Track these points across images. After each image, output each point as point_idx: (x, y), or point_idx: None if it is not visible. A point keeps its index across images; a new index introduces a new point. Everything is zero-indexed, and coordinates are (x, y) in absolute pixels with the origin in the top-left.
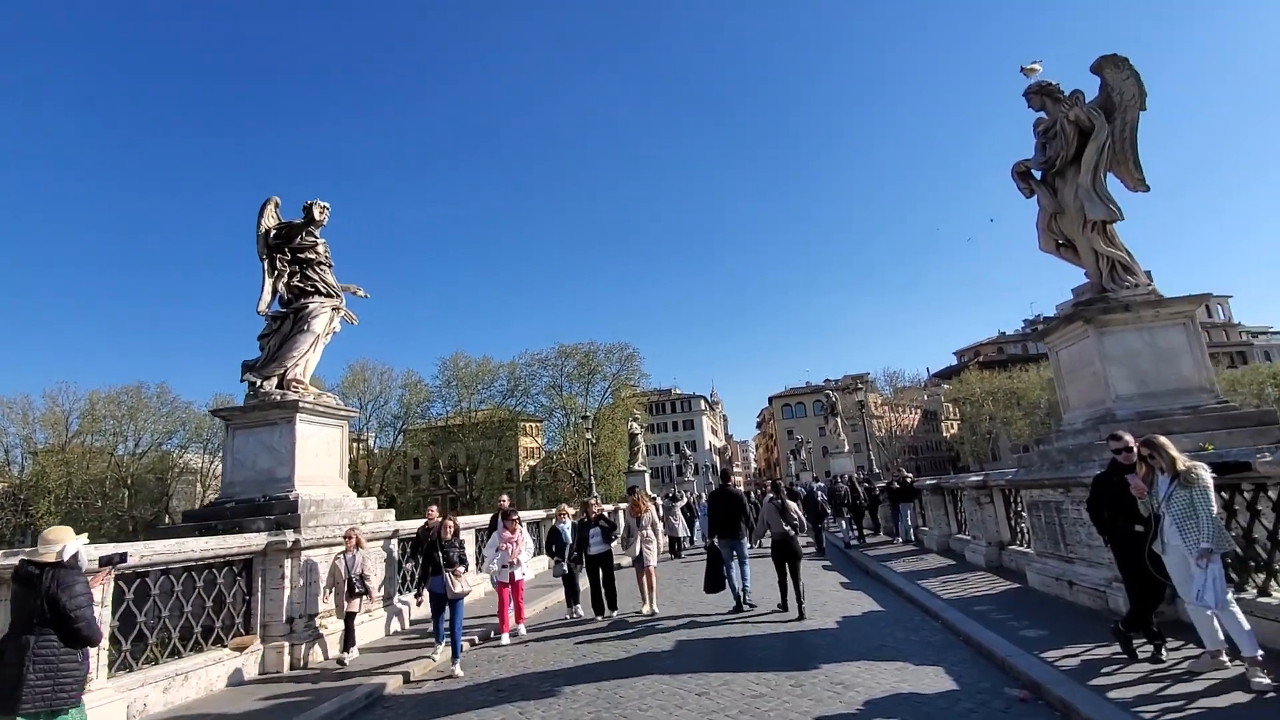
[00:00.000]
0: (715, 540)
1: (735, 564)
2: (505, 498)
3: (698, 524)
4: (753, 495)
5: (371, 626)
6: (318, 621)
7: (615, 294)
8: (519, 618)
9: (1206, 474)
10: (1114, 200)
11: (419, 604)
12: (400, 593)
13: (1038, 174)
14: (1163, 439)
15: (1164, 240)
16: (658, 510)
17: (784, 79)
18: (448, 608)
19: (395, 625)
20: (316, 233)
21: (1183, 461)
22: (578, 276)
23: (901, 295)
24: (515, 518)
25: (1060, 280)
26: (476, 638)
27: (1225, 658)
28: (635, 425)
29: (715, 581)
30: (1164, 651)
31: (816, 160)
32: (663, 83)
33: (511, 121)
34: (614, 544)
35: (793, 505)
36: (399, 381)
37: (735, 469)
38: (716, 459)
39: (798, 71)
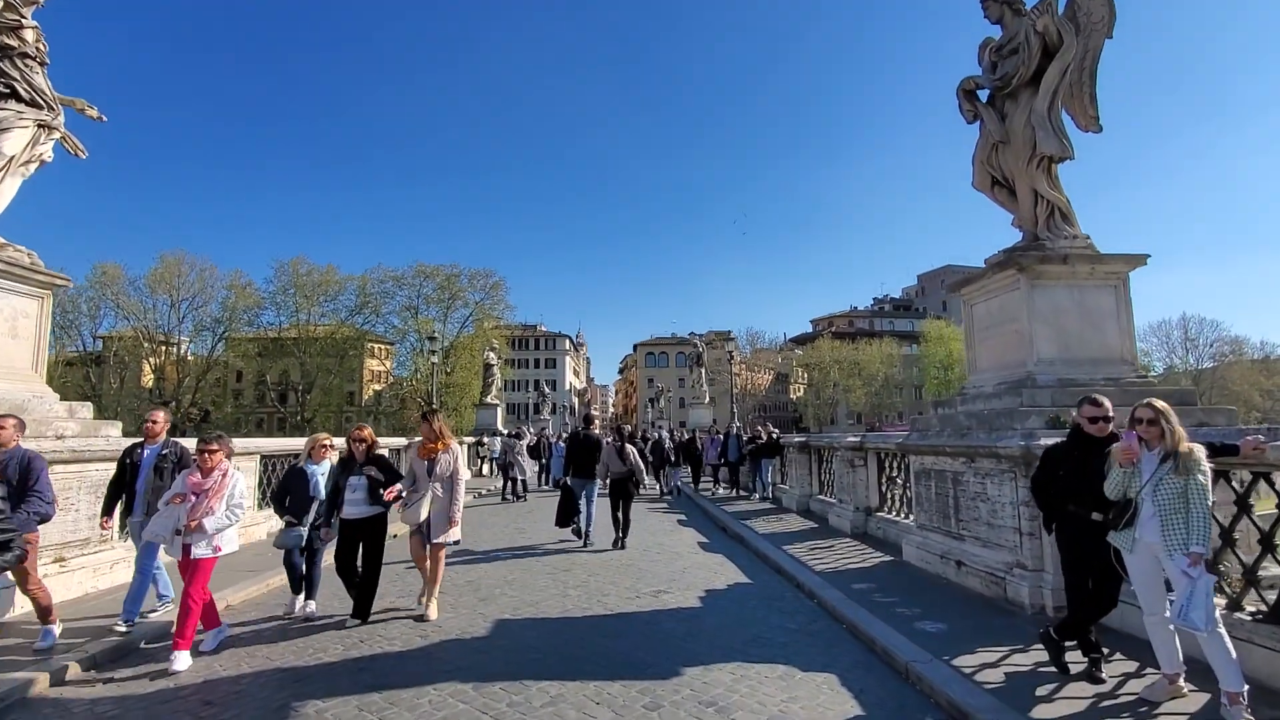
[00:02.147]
0: (570, 479)
1: (584, 503)
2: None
3: (551, 465)
4: (607, 440)
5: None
6: None
7: (487, 220)
8: (182, 636)
9: (1205, 460)
10: (1067, 135)
11: None
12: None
13: (984, 96)
14: (1166, 404)
15: (991, 247)
16: (489, 449)
17: (692, 34)
18: None
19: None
20: (26, 13)
21: (1186, 440)
22: (445, 198)
23: (771, 260)
24: (218, 447)
25: (908, 267)
26: (76, 663)
27: (1184, 683)
28: (492, 355)
29: (566, 517)
30: (1103, 668)
31: (704, 120)
32: (564, 14)
33: (401, 28)
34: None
35: (631, 449)
36: (224, 281)
37: (594, 412)
38: (576, 400)
39: (706, 28)
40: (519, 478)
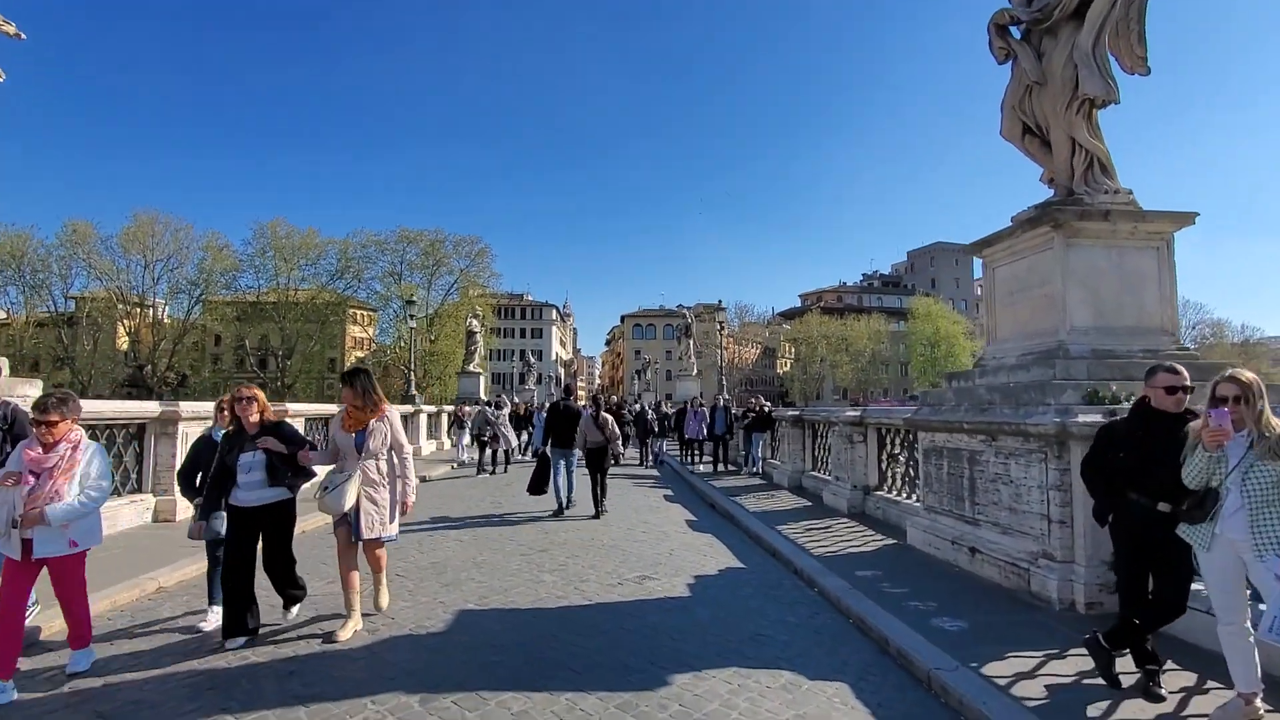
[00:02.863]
0: (549, 449)
1: (564, 472)
2: None
3: (533, 434)
4: (587, 410)
5: None
6: None
7: (473, 187)
8: (78, 635)
9: None
10: (1113, 76)
11: None
12: None
13: (1018, 32)
14: (1254, 376)
15: (980, 226)
16: (455, 419)
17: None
18: None
19: None
20: None
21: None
22: (429, 164)
23: (761, 235)
24: (58, 417)
25: (898, 244)
26: None
27: (1261, 704)
28: (474, 322)
29: (540, 485)
30: (1162, 683)
31: (696, 92)
32: None
33: None
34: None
35: (608, 419)
36: (200, 242)
37: (579, 383)
38: (561, 371)
39: None
40: (503, 448)
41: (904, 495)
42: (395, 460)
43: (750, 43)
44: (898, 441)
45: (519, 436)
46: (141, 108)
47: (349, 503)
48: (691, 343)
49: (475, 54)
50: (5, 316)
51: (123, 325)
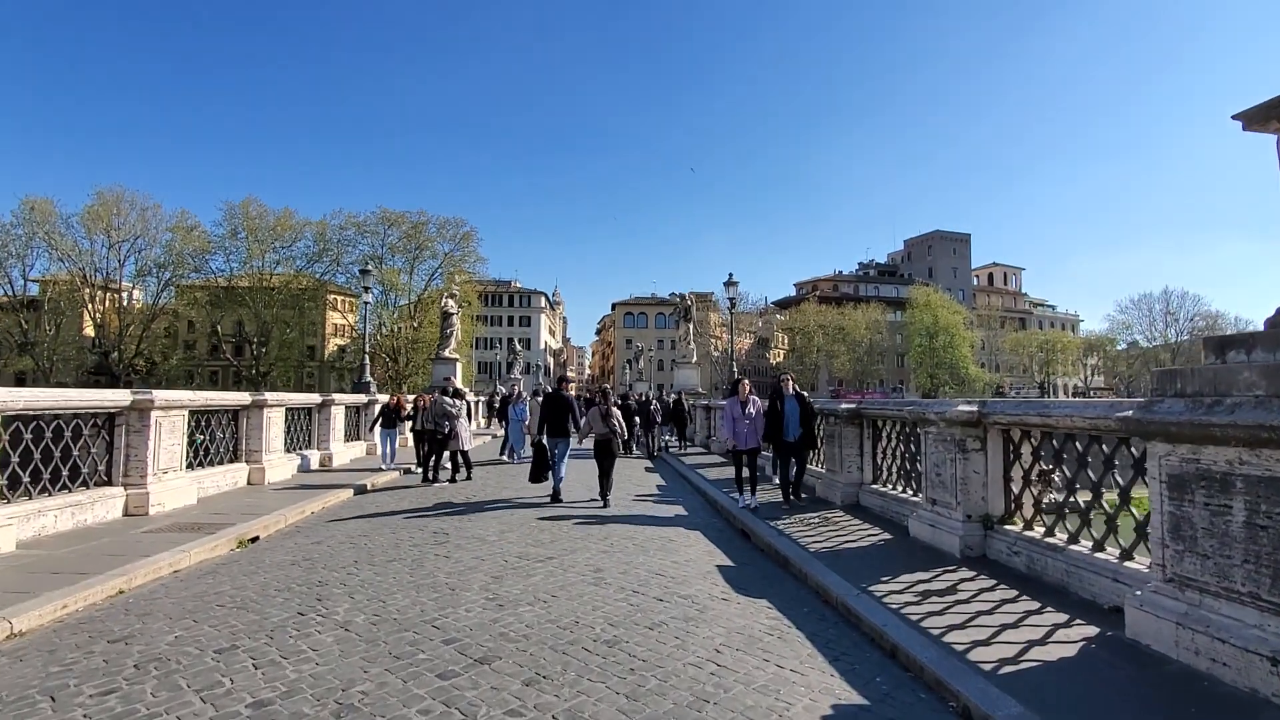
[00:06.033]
0: (544, 438)
1: (557, 461)
2: None
3: (510, 432)
4: (598, 405)
5: None
6: None
7: (457, 172)
8: None
9: None
10: None
11: None
12: None
13: None
14: None
15: (976, 216)
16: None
17: None
18: None
19: None
20: None
21: None
22: (413, 147)
23: (755, 222)
24: None
25: (894, 233)
26: None
27: None
28: (450, 302)
29: (540, 473)
30: None
31: (689, 78)
32: None
33: None
34: None
35: (615, 413)
36: (168, 222)
37: (569, 373)
38: (551, 360)
39: None
40: (460, 449)
41: (1060, 535)
42: None
43: (745, 32)
44: (1046, 453)
45: (470, 434)
46: (105, 81)
47: None
48: (691, 327)
49: (463, 42)
50: None
51: (88, 310)
